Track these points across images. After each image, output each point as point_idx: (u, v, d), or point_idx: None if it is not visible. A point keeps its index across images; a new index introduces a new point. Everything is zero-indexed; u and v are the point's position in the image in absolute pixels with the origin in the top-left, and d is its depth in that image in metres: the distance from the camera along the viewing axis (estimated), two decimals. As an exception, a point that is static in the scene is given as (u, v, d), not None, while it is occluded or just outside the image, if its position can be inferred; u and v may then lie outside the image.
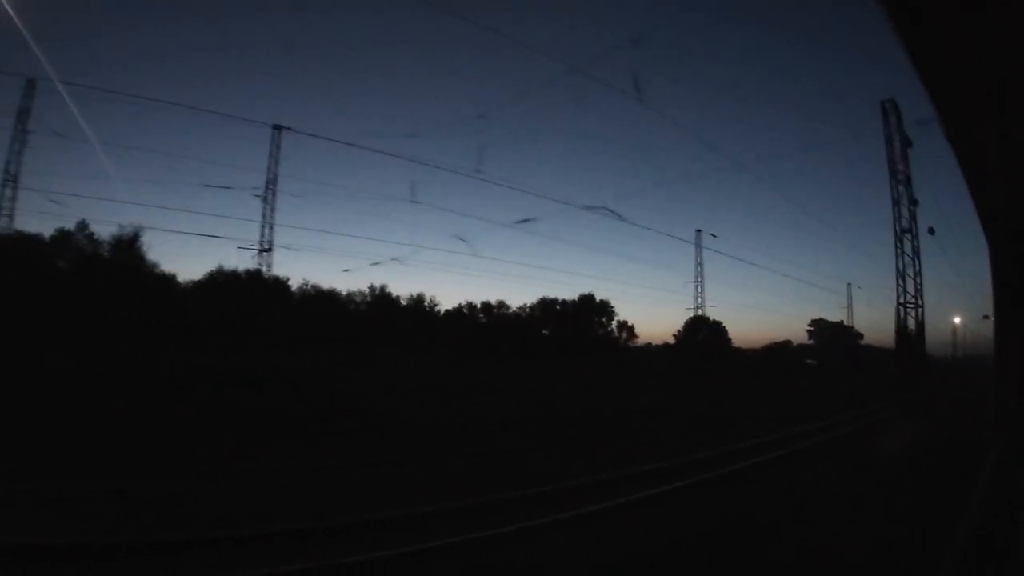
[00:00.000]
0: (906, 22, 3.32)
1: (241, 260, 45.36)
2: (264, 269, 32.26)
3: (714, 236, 54.00)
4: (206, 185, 36.11)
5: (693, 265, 54.03)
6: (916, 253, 29.00)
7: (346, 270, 76.65)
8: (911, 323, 30.01)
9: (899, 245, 29.23)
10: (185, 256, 75.16)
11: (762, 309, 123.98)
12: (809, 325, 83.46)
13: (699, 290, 55.63)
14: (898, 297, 29.54)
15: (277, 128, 31.43)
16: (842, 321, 76.55)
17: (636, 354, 61.93)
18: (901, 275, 29.08)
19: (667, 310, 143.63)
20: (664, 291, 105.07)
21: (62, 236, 30.00)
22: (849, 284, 70.64)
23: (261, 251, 31.45)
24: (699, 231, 53.21)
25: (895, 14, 3.27)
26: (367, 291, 47.81)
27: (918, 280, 29.23)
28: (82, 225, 30.48)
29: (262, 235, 31.68)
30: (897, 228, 28.99)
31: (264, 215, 31.32)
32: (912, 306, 29.29)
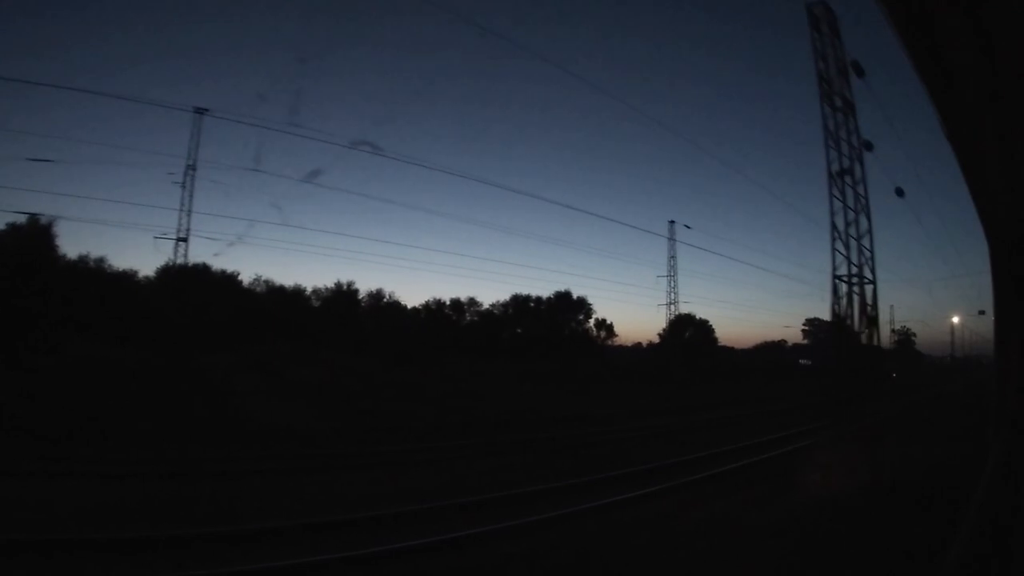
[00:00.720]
0: (905, 21, 3.34)
1: (159, 250, 44.79)
2: (178, 260, 30.76)
3: (688, 227, 52.87)
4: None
5: (686, 261, 53.22)
6: (863, 208, 20.32)
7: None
8: (856, 305, 21.30)
9: (839, 193, 20.07)
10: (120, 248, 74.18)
11: (760, 309, 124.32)
12: (804, 324, 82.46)
13: (672, 285, 54.43)
14: (834, 266, 20.50)
15: (199, 111, 29.97)
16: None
17: (616, 353, 60.88)
18: (841, 236, 20.18)
19: (653, 309, 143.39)
20: (651, 289, 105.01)
21: (13, 230, 29.65)
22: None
23: (179, 240, 30.04)
24: (672, 222, 52.14)
25: (895, 13, 3.28)
26: (329, 287, 46.90)
27: (865, 245, 20.38)
28: (33, 218, 29.89)
29: (179, 223, 30.24)
30: (833, 168, 20.36)
31: (182, 202, 29.96)
32: (856, 281, 20.75)
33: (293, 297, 43.66)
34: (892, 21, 3.34)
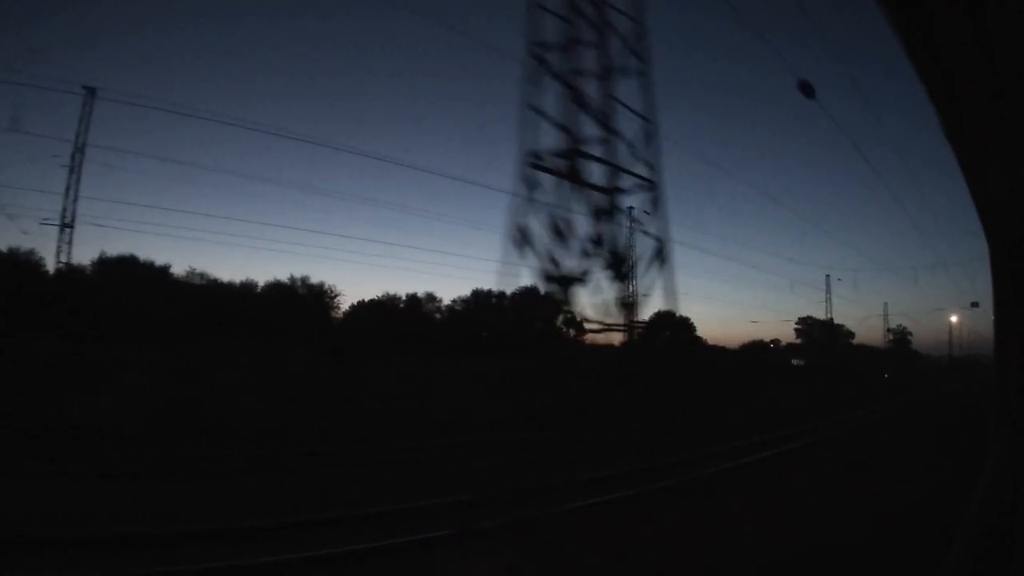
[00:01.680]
0: (905, 22, 3.37)
1: (40, 236, 40.82)
2: (63, 247, 28.55)
3: (647, 213, 49.93)
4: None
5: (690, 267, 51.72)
6: (636, 36, 6.50)
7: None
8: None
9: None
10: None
11: (743, 305, 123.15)
12: (796, 323, 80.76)
13: (631, 276, 52.00)
14: (526, 139, 6.15)
15: (89, 91, 28.18)
16: (831, 319, 75.56)
17: (598, 353, 57.81)
18: (549, 67, 5.98)
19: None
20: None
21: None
22: (828, 275, 64.72)
23: (64, 226, 28.21)
24: (631, 208, 49.74)
25: (895, 14, 3.32)
26: (270, 282, 43.08)
27: (627, 104, 6.42)
28: None
29: (64, 208, 28.12)
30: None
31: (68, 187, 28.01)
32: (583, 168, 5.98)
33: (233, 291, 41.43)
34: (892, 21, 3.38)
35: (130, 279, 33.28)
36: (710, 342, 70.85)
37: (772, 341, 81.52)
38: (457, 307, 53.32)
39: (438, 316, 51.81)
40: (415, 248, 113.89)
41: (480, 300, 54.09)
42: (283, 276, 45.16)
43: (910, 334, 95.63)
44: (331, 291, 46.47)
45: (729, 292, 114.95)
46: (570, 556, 5.81)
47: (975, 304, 49.40)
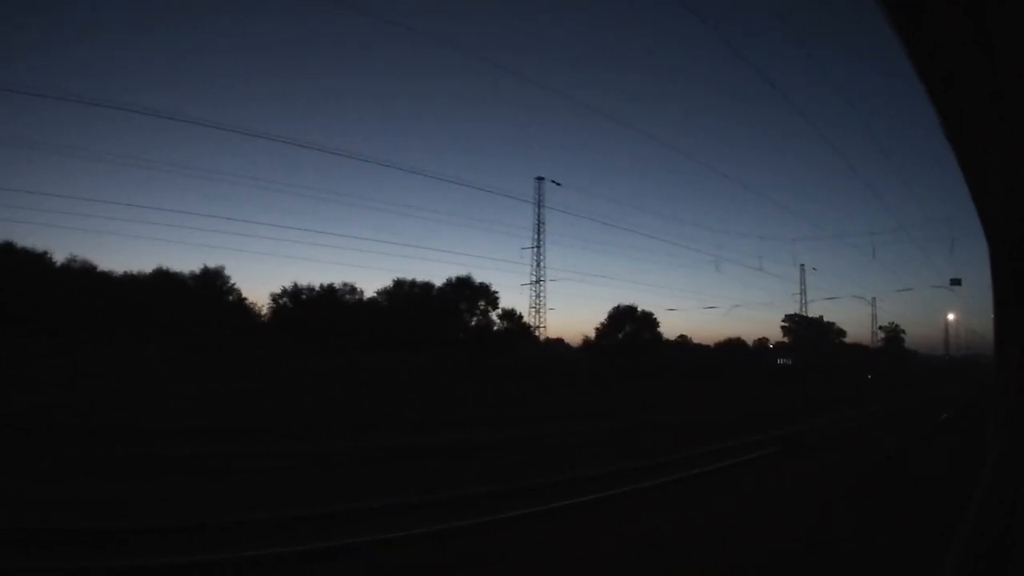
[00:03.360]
0: (904, 21, 3.39)
1: None
2: None
3: (558, 184, 45.12)
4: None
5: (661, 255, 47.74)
6: None
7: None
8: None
9: None
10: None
11: (751, 306, 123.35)
12: (783, 321, 79.34)
13: (537, 256, 45.55)
14: None
15: None
16: (822, 317, 74.48)
17: (534, 350, 51.94)
18: None
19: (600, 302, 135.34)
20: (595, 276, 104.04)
21: None
22: (802, 265, 61.72)
23: None
24: (540, 179, 45.47)
25: (894, 13, 3.33)
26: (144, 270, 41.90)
27: None
28: None
29: None
30: None
31: None
32: None
33: (116, 280, 38.37)
34: (891, 21, 3.40)
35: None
36: (697, 340, 70.63)
37: (759, 340, 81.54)
38: (381, 300, 48.30)
39: (355, 308, 46.46)
40: (332, 234, 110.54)
41: (403, 291, 48.76)
42: (196, 267, 42.80)
43: (903, 332, 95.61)
44: (221, 279, 43.05)
45: (699, 285, 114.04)
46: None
47: (956, 281, 46.82)
